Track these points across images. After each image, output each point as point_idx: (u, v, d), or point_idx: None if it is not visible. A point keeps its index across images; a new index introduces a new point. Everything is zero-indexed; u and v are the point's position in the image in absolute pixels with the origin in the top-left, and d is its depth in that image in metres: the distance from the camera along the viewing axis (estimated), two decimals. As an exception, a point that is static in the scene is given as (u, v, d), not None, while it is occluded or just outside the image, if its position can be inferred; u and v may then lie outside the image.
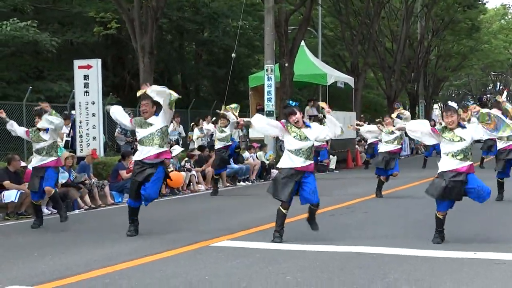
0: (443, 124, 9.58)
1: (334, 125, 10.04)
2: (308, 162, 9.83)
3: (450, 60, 55.57)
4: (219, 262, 8.45)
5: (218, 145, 18.09)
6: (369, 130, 17.97)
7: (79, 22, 30.96)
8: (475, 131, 9.42)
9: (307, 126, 9.95)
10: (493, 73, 76.23)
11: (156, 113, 10.82)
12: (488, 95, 73.17)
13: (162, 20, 28.37)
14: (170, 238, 10.32)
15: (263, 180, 22.36)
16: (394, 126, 16.05)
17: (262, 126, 10.21)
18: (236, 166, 20.98)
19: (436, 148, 27.32)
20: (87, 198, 15.43)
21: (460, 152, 9.37)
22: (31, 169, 14.45)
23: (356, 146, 31.17)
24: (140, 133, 10.84)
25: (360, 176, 23.38)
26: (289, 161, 9.82)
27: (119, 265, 8.34)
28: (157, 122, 10.76)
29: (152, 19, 22.70)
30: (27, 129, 12.48)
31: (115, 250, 9.49)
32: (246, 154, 22.57)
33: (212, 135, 23.47)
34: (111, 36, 30.00)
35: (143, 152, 10.77)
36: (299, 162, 9.76)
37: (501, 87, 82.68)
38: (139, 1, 23.21)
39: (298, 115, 9.87)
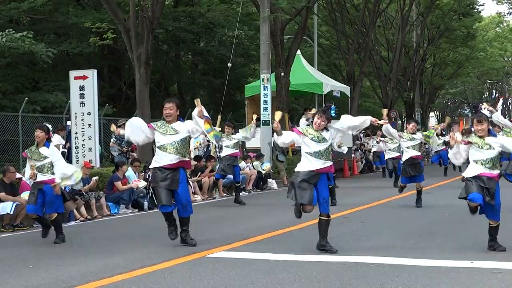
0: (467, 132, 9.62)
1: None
2: (328, 163, 9.65)
3: (445, 68, 55.68)
4: (215, 273, 8.41)
5: (225, 151, 17.61)
6: (390, 133, 17.78)
7: (75, 33, 31.05)
8: (506, 140, 9.61)
9: (326, 129, 9.72)
10: (488, 81, 76.29)
11: (181, 118, 10.60)
12: (484, 103, 73.26)
13: (158, 30, 28.44)
14: (166, 250, 10.28)
15: (259, 190, 22.34)
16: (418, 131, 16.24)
17: (286, 140, 9.86)
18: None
19: (442, 156, 27.34)
20: (83, 209, 15.37)
21: (490, 161, 9.44)
22: (26, 181, 14.43)
23: (353, 155, 31.18)
24: (162, 139, 10.44)
25: (356, 185, 23.38)
26: (308, 163, 9.59)
27: (115, 277, 8.30)
28: (182, 130, 10.44)
29: (148, 29, 22.69)
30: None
31: (111, 262, 9.44)
32: (242, 164, 22.52)
33: (208, 145, 23.49)
34: (107, 47, 30.09)
35: (165, 158, 10.40)
36: (319, 164, 9.56)
37: (496, 95, 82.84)
38: (135, 12, 23.21)
39: (323, 121, 9.57)
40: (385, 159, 22.40)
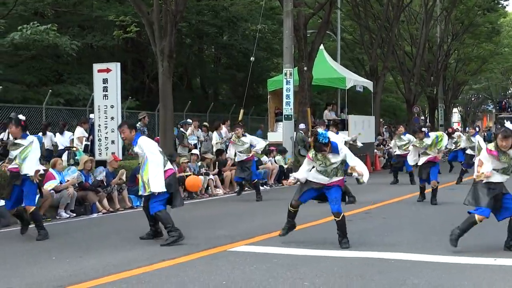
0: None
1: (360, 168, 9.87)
2: (335, 179, 9.83)
3: (469, 63, 55.25)
4: (236, 267, 8.42)
5: (239, 157, 17.48)
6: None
7: (99, 26, 31.16)
8: None
9: (333, 150, 9.73)
10: (513, 77, 75.67)
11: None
12: (508, 99, 72.65)
13: (182, 23, 28.44)
14: (187, 243, 10.28)
15: (281, 184, 22.32)
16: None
17: (304, 175, 10.06)
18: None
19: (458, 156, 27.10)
20: (105, 202, 15.46)
21: (505, 169, 9.40)
22: (49, 171, 14.48)
23: (375, 150, 31.05)
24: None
25: (378, 181, 23.24)
26: (316, 175, 9.86)
27: (136, 270, 8.33)
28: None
29: (171, 22, 22.68)
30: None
31: (132, 254, 9.48)
32: (264, 158, 22.53)
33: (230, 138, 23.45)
34: (130, 40, 30.16)
35: None
36: (325, 180, 9.82)
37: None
38: (158, 5, 23.23)
39: (326, 149, 9.67)
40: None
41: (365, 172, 9.90)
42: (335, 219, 9.80)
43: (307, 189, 9.96)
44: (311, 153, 9.92)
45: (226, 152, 20.78)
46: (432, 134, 16.34)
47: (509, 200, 9.38)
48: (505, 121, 12.67)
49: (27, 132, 11.41)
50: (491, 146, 9.43)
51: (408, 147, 20.39)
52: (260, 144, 17.60)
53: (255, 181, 17.79)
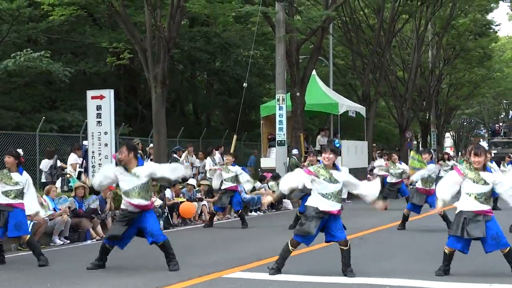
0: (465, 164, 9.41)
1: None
2: (338, 207, 9.52)
3: (461, 88, 55.50)
4: (231, 294, 8.40)
5: (224, 185, 17.31)
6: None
7: (92, 53, 31.22)
8: (499, 177, 9.42)
9: (337, 168, 9.61)
10: (505, 101, 75.84)
11: (140, 161, 10.38)
12: (500, 124, 72.97)
13: (174, 50, 28.55)
14: (182, 270, 10.23)
15: (275, 210, 22.29)
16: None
17: (288, 184, 9.80)
18: (248, 196, 20.92)
19: None
20: (99, 228, 15.41)
21: (483, 195, 9.24)
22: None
23: (368, 175, 31.05)
24: (124, 184, 10.27)
25: (371, 206, 23.22)
26: (319, 202, 9.47)
27: (131, 297, 8.30)
28: (142, 173, 10.24)
29: (164, 49, 22.81)
30: None
31: (128, 281, 9.44)
32: (258, 184, 22.52)
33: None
34: (123, 66, 30.22)
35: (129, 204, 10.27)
36: (328, 205, 9.45)
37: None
38: (151, 32, 23.36)
39: (333, 155, 9.49)
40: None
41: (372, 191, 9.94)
42: (341, 248, 9.53)
43: (315, 226, 9.44)
44: (313, 168, 9.66)
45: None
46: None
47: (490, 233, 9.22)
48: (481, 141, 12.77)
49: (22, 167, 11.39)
50: (463, 166, 9.55)
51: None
52: (246, 184, 17.53)
53: (239, 211, 17.63)
